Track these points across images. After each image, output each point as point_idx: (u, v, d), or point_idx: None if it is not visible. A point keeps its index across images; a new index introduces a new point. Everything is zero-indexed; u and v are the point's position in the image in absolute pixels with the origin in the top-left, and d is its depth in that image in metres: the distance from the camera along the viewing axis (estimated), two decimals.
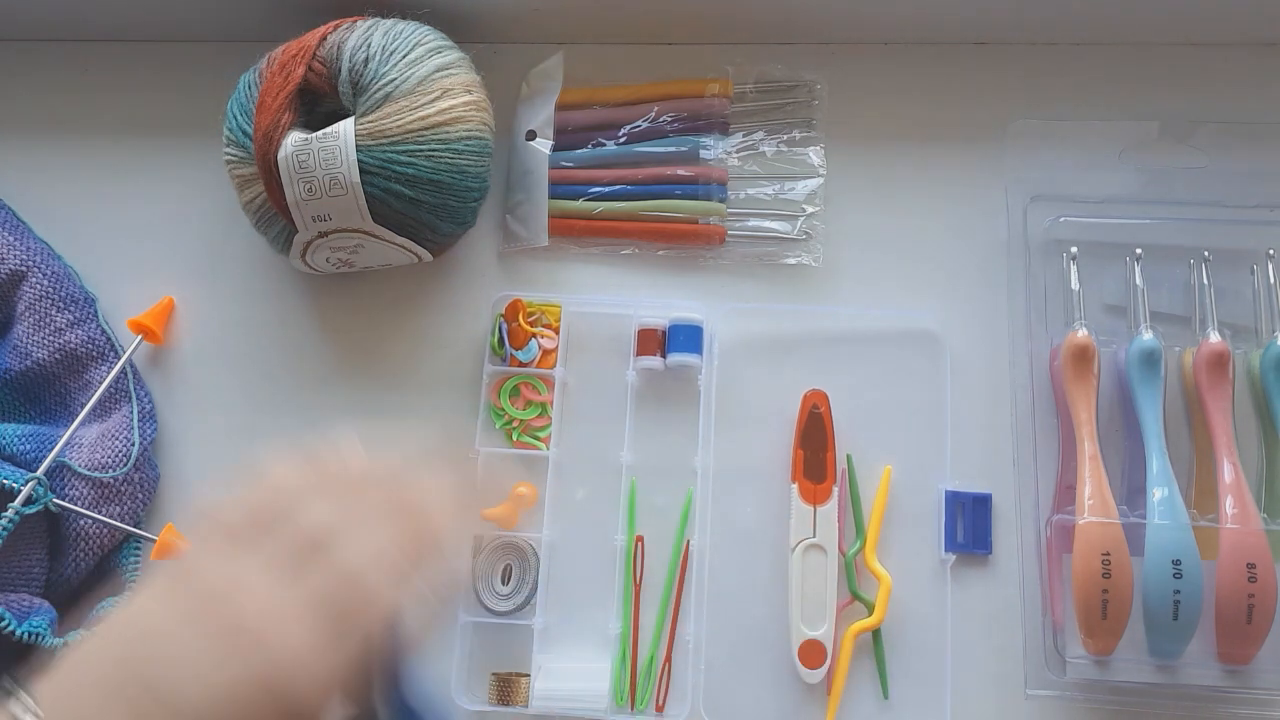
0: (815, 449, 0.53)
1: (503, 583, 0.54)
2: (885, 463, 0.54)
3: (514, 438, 0.56)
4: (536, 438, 0.56)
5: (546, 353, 0.56)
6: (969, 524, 0.53)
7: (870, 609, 0.52)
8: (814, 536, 0.52)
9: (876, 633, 0.52)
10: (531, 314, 0.57)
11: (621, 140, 0.60)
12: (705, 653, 0.52)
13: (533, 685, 0.52)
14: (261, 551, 0.34)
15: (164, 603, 0.33)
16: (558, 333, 0.56)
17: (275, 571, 0.33)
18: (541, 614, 0.53)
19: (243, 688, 0.31)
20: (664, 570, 0.54)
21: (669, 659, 0.53)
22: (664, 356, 0.56)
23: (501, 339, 0.56)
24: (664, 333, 0.56)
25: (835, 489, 0.53)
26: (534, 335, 0.56)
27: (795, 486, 0.53)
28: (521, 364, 0.56)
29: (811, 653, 0.51)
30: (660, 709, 0.52)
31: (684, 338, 0.55)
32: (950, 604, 0.52)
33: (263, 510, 0.35)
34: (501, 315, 0.57)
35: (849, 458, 0.54)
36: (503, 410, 0.56)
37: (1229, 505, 0.48)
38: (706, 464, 0.54)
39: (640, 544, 0.54)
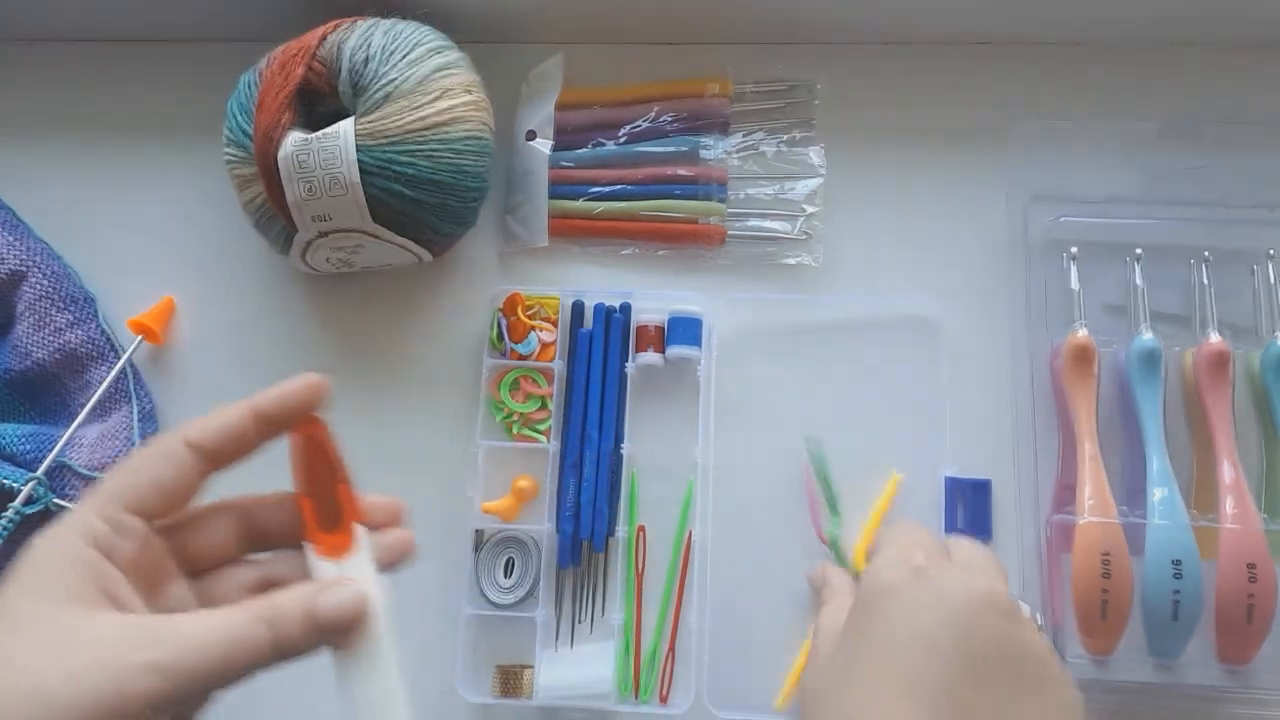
0: (323, 488, 0.36)
1: (505, 575, 0.54)
2: (885, 453, 0.54)
3: (514, 431, 0.56)
4: (536, 430, 0.56)
5: (545, 346, 0.56)
6: (969, 510, 0.53)
7: None
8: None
9: None
10: (530, 307, 0.57)
11: (621, 140, 0.60)
12: (709, 642, 0.52)
13: (536, 677, 0.52)
14: None
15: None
16: (556, 325, 0.57)
17: None
18: (544, 606, 0.53)
19: None
20: (666, 561, 0.54)
21: (672, 649, 0.53)
22: (663, 352, 0.56)
23: (500, 332, 0.56)
24: (663, 328, 0.56)
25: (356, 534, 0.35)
26: (533, 328, 0.56)
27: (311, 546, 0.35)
28: (521, 357, 0.56)
29: None
30: (664, 699, 0.52)
31: (683, 330, 0.56)
32: None
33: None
34: (500, 309, 0.57)
35: (806, 439, 0.54)
36: (502, 403, 0.56)
37: (1229, 505, 0.48)
38: (707, 455, 0.54)
39: (642, 534, 0.54)
